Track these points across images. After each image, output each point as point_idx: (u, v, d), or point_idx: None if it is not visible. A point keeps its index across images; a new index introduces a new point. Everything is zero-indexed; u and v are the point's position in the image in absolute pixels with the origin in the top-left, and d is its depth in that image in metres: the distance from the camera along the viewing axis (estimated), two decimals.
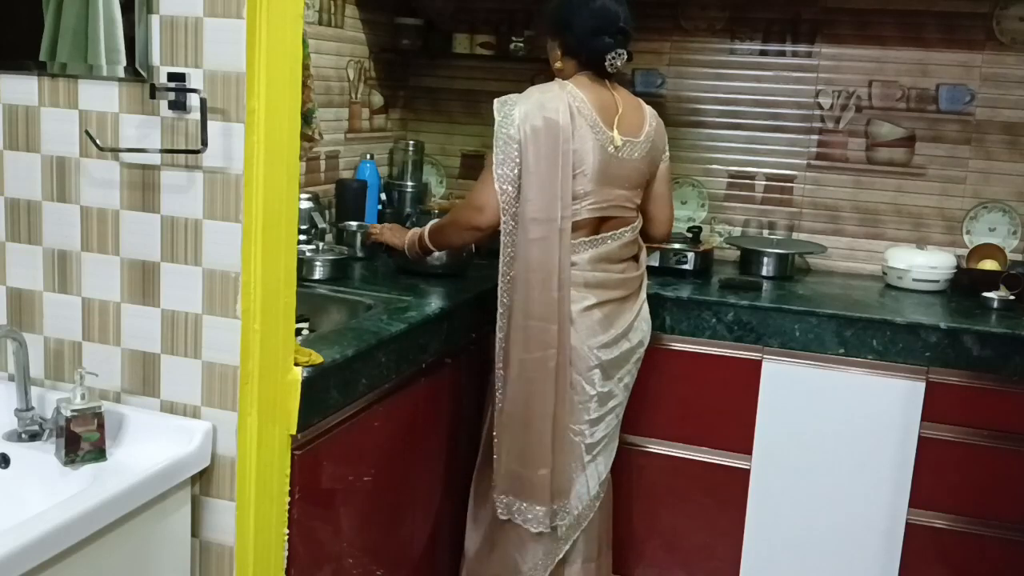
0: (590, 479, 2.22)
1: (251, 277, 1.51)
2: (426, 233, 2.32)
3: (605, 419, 2.23)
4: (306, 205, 2.60)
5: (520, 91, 2.16)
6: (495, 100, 2.15)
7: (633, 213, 2.23)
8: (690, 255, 2.76)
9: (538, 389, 2.10)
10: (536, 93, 2.11)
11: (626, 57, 2.17)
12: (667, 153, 2.32)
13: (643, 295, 2.30)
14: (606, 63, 2.13)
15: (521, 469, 2.15)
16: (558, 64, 2.20)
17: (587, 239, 2.14)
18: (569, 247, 2.09)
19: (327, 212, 2.78)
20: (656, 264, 2.76)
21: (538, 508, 2.15)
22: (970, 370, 2.35)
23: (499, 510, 2.20)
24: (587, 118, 2.10)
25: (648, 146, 2.20)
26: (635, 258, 2.28)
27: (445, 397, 2.27)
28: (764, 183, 3.08)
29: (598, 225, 2.16)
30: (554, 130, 2.06)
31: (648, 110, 2.26)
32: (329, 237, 2.60)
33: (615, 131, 2.13)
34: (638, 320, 2.26)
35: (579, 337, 2.13)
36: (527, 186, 2.06)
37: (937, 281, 2.74)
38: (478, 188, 2.12)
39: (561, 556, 2.23)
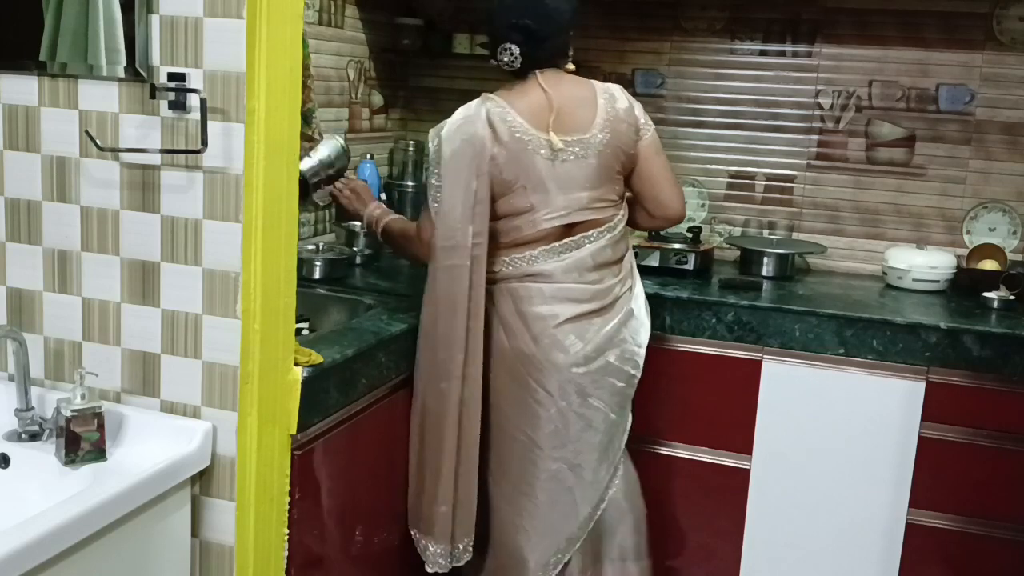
0: (580, 504, 2.10)
1: (251, 277, 1.51)
2: (381, 229, 2.21)
3: (592, 441, 2.08)
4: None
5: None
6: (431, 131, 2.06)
7: (609, 212, 2.07)
8: (690, 255, 2.75)
9: (433, 423, 1.98)
10: (458, 113, 2.02)
11: (514, 53, 2.01)
12: (646, 128, 2.11)
13: (626, 306, 2.10)
14: (498, 62, 2.04)
15: (419, 503, 2.05)
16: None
17: (548, 247, 2.01)
18: (483, 275, 1.96)
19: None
20: (656, 264, 2.76)
21: (435, 547, 2.03)
22: (970, 370, 2.35)
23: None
24: (513, 127, 1.97)
25: (607, 137, 2.03)
26: (616, 263, 2.10)
27: None
28: (764, 183, 3.08)
29: (563, 232, 2.03)
30: (467, 150, 1.95)
31: (601, 96, 2.06)
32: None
33: (551, 133, 1.98)
34: (621, 335, 2.08)
35: (546, 354, 2.00)
36: (438, 212, 1.96)
37: (937, 281, 2.74)
38: (422, 216, 2.04)
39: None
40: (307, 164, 2.20)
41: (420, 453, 2.03)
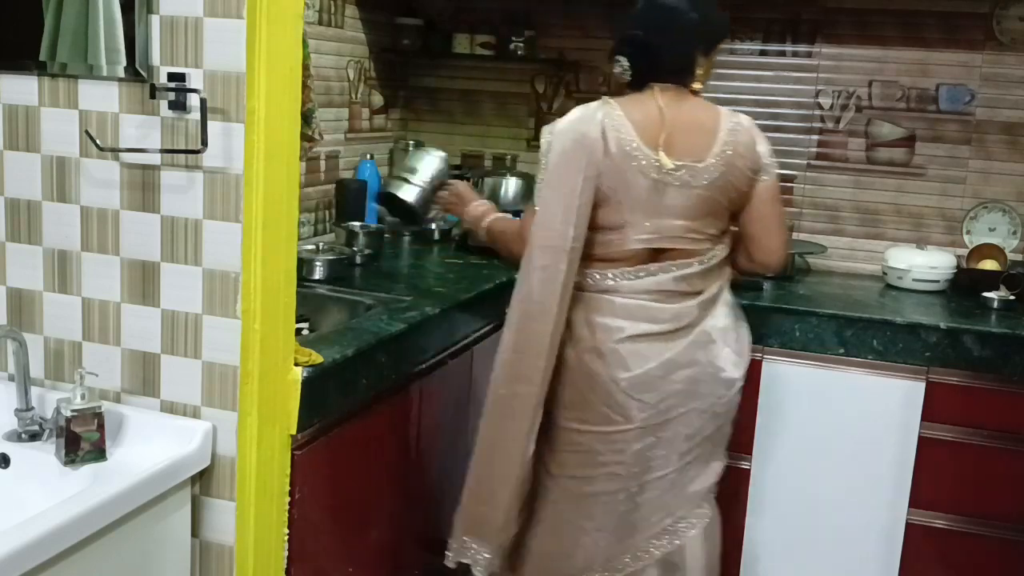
0: (640, 530, 2.00)
1: (251, 277, 1.51)
2: (483, 230, 2.26)
3: (655, 471, 1.97)
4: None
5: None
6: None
7: (704, 245, 1.96)
8: None
9: (508, 426, 1.93)
10: (574, 112, 1.96)
11: (623, 65, 1.96)
12: (768, 170, 1.98)
13: (703, 333, 1.96)
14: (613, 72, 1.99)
15: (479, 509, 1.98)
16: None
17: (631, 268, 1.95)
18: (572, 281, 1.91)
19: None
20: None
21: (489, 554, 1.97)
22: (970, 370, 2.35)
23: (448, 555, 2.02)
24: (623, 139, 1.90)
25: (720, 169, 1.91)
26: (697, 294, 1.97)
27: (445, 397, 2.27)
28: None
29: (649, 257, 1.95)
30: (576, 151, 1.90)
31: (725, 126, 1.94)
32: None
33: (662, 153, 1.89)
34: (694, 358, 1.96)
35: (609, 369, 1.93)
36: (539, 212, 1.93)
37: (937, 281, 2.74)
38: (525, 213, 2.04)
39: None
40: (413, 194, 2.17)
41: (488, 456, 1.96)
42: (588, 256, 1.95)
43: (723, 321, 2.00)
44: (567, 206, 1.89)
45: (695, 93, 1.99)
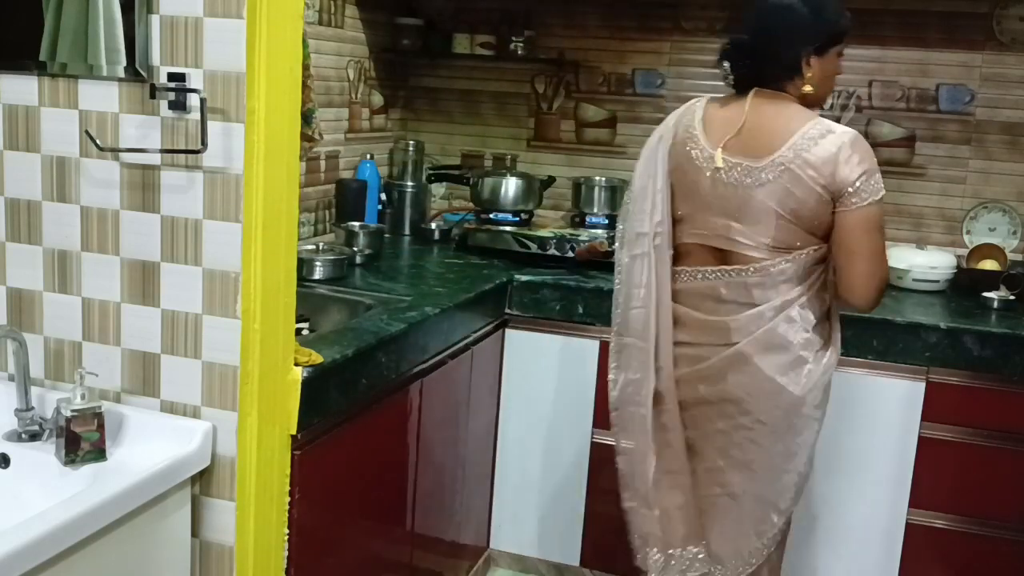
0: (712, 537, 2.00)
1: (251, 277, 1.51)
2: None
3: (705, 476, 1.98)
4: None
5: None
6: None
7: (759, 254, 1.87)
8: None
9: (628, 417, 2.00)
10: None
11: (727, 70, 1.93)
12: (858, 198, 1.79)
13: (744, 349, 1.89)
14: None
15: (628, 503, 2.04)
16: None
17: (691, 268, 1.95)
18: (667, 264, 1.95)
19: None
20: None
21: (650, 551, 2.01)
22: (970, 370, 2.35)
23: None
24: (688, 134, 1.93)
25: (777, 174, 1.82)
26: (754, 306, 1.89)
27: (445, 397, 2.27)
28: None
29: (712, 257, 1.93)
30: (654, 143, 1.99)
31: (806, 134, 1.82)
32: None
33: (718, 150, 1.88)
34: (730, 371, 1.91)
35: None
36: (630, 203, 2.02)
37: (937, 281, 2.74)
38: None
39: None
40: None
41: (628, 456, 2.03)
42: (678, 251, 2.00)
43: (775, 339, 1.89)
44: (646, 194, 1.97)
45: (806, 97, 1.91)
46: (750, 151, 1.86)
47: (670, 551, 2.01)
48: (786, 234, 1.86)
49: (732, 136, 1.88)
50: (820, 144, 1.81)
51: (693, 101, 2.00)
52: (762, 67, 1.90)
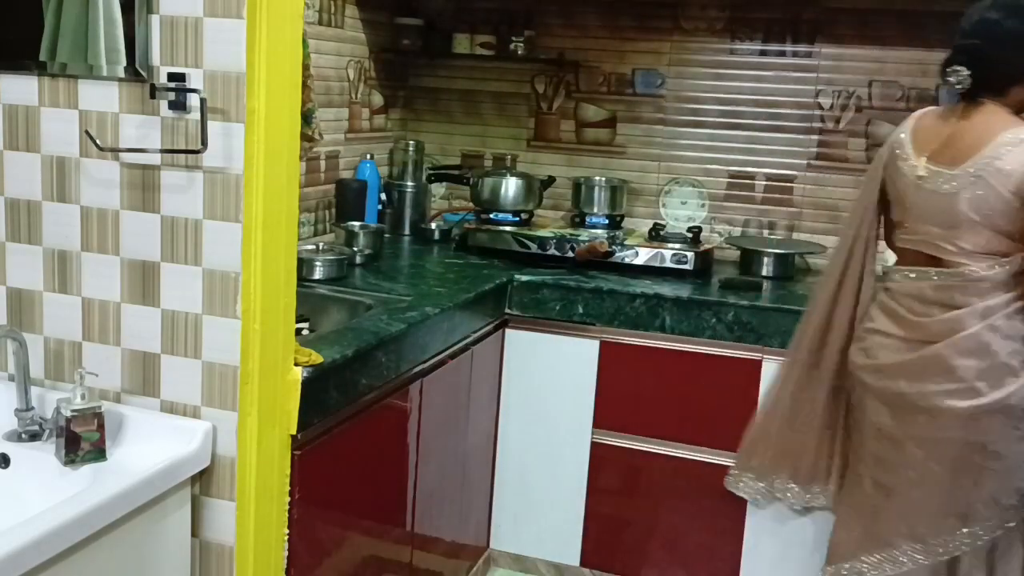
0: (879, 524, 2.06)
1: (251, 277, 1.51)
2: None
3: (903, 472, 2.01)
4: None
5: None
6: None
7: (961, 259, 1.93)
8: (690, 255, 2.75)
9: (781, 383, 2.28)
10: None
11: (963, 74, 1.92)
12: None
13: (943, 351, 1.93)
14: (945, 83, 2.00)
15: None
16: None
17: (904, 268, 2.06)
18: (858, 270, 2.15)
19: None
20: (656, 264, 2.76)
21: (791, 484, 2.29)
22: None
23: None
24: (898, 142, 2.08)
25: (971, 181, 1.88)
26: (958, 308, 1.93)
27: (445, 397, 2.27)
28: (764, 183, 3.08)
29: (921, 260, 2.02)
30: (881, 152, 2.14)
31: (998, 140, 1.87)
32: None
33: (922, 159, 1.99)
34: (926, 370, 1.95)
35: (853, 353, 2.14)
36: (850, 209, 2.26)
37: None
38: None
39: None
40: None
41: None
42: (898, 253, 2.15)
43: (974, 344, 1.91)
44: (861, 201, 2.19)
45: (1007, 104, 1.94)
46: (950, 159, 1.94)
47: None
48: (987, 240, 1.92)
49: (937, 145, 1.98)
50: (1013, 152, 1.86)
51: (916, 112, 2.13)
52: (988, 74, 1.93)
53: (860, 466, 2.14)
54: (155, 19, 1.50)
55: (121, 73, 1.52)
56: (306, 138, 2.30)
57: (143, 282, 1.58)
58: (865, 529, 2.09)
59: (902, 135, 2.09)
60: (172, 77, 1.49)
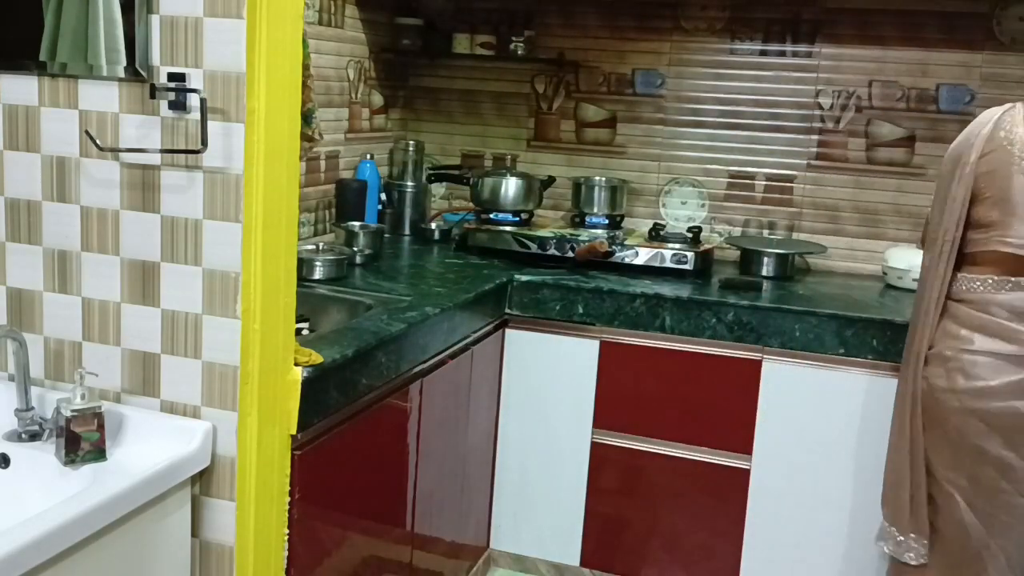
0: (987, 558, 1.95)
1: (251, 277, 1.51)
2: None
3: (1010, 499, 1.92)
4: None
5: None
6: None
7: None
8: (690, 255, 2.75)
9: (897, 403, 2.11)
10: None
11: None
12: None
13: None
14: None
15: (889, 489, 2.10)
16: None
17: (998, 278, 1.91)
18: (944, 272, 1.97)
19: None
20: (656, 264, 2.76)
21: (899, 536, 2.06)
22: None
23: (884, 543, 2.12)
24: (1008, 135, 1.90)
25: None
26: None
27: (445, 397, 2.27)
28: (764, 183, 3.08)
29: (1019, 268, 1.89)
30: (956, 150, 1.98)
31: None
32: None
33: None
34: None
35: (950, 380, 1.94)
36: (931, 207, 2.05)
37: None
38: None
39: None
40: None
41: (897, 443, 2.09)
42: (961, 257, 1.97)
43: None
44: (942, 203, 1.97)
45: None
46: None
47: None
48: None
49: None
50: None
51: (1008, 104, 1.96)
52: None
53: (950, 489, 2.01)
54: (155, 19, 1.50)
55: (121, 73, 1.52)
56: (306, 138, 2.30)
57: (143, 282, 1.58)
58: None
59: (1011, 128, 1.91)
60: (172, 77, 1.49)
